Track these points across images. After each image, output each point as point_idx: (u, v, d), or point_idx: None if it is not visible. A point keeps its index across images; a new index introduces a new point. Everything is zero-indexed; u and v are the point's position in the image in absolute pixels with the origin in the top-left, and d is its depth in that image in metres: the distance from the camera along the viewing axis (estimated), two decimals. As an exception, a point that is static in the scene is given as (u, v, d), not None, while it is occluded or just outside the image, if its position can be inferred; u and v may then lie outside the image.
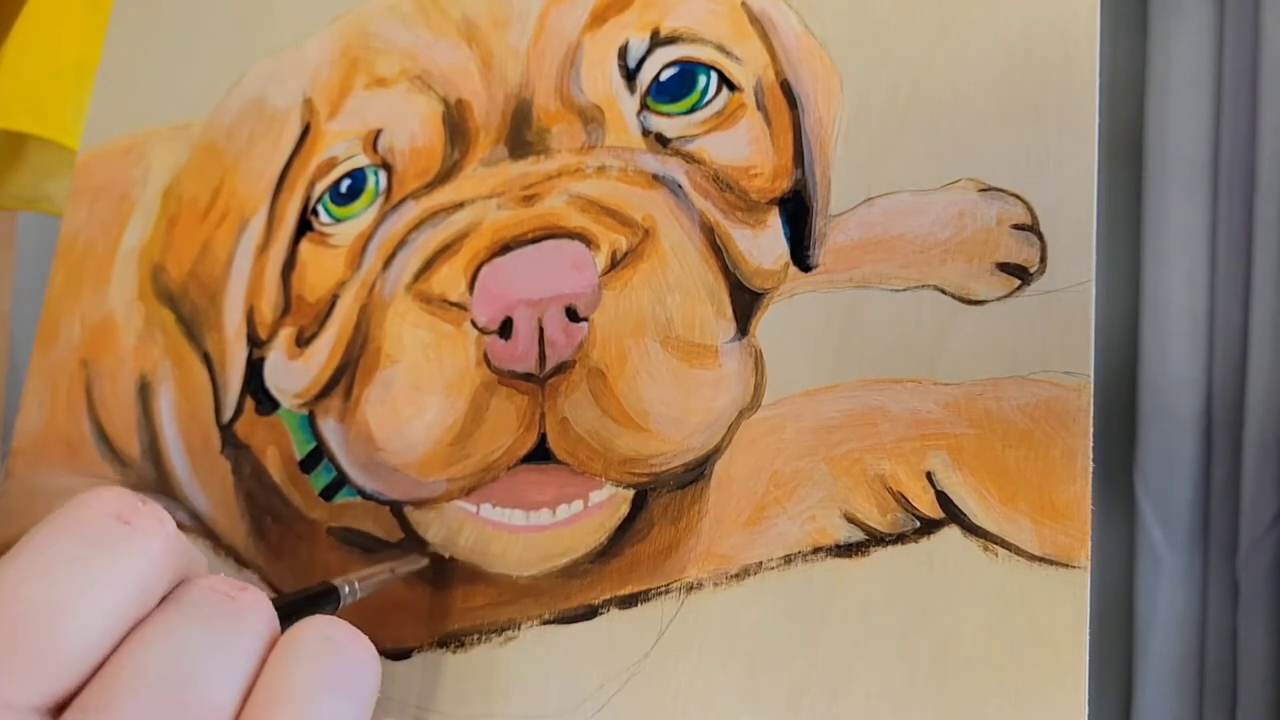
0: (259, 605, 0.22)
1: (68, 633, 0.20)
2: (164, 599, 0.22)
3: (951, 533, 0.28)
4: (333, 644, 0.22)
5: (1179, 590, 0.85)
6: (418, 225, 0.35)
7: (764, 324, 0.31)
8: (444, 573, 0.33)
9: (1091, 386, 0.27)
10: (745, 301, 0.31)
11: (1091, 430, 0.27)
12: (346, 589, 0.29)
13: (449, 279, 0.34)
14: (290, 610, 0.25)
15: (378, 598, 0.32)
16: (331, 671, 0.22)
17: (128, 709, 0.19)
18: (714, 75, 0.33)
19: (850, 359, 0.30)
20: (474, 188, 0.35)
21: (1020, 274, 0.29)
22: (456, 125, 0.36)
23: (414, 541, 0.33)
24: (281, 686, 0.21)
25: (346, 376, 0.35)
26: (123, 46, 0.45)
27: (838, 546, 0.29)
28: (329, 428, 0.35)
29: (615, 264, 0.32)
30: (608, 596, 0.30)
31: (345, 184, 0.37)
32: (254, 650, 0.22)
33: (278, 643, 0.22)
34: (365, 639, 0.23)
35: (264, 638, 0.22)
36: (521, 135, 0.35)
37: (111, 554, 0.21)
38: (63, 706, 0.20)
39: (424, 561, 0.32)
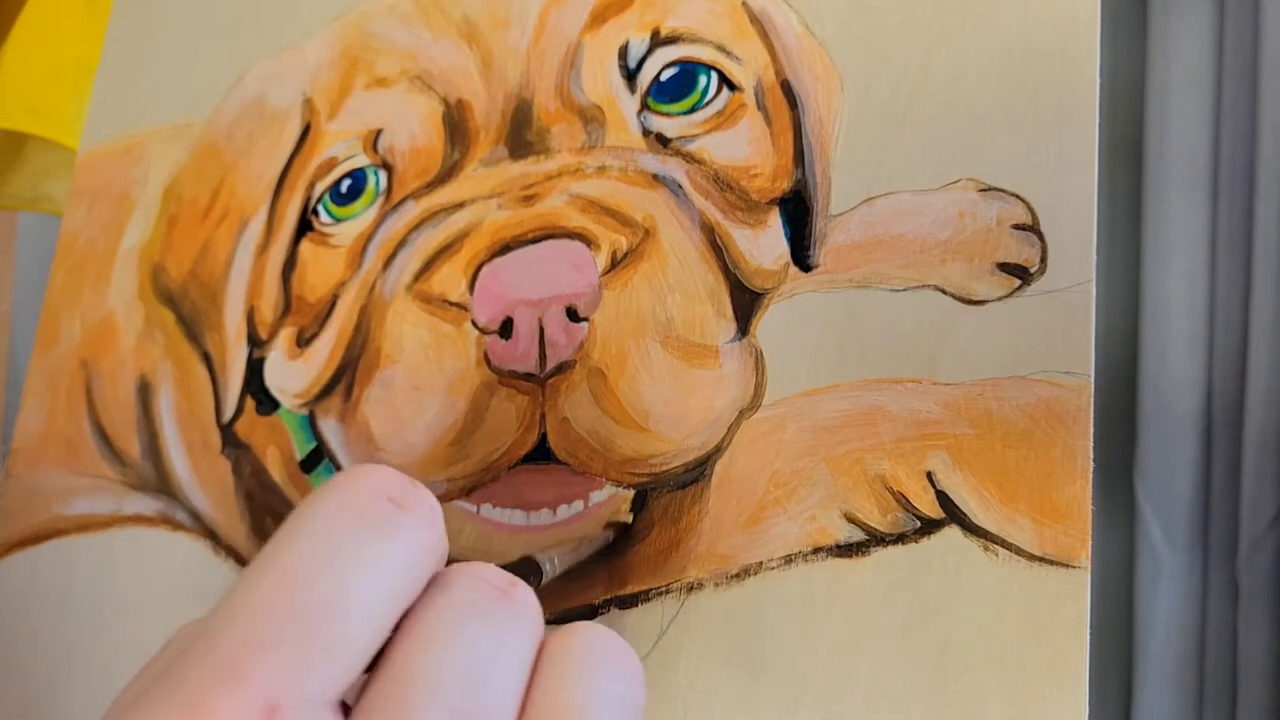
0: (531, 602, 0.21)
1: (355, 623, 0.19)
2: (430, 584, 0.21)
3: (951, 533, 0.28)
4: (606, 658, 0.21)
5: (1179, 590, 0.85)
6: (418, 225, 0.35)
7: (764, 324, 0.31)
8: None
9: (1091, 386, 0.27)
10: (745, 301, 0.31)
11: (1092, 430, 0.27)
12: (548, 565, 0.28)
13: (449, 279, 0.34)
14: None
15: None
16: (607, 686, 0.21)
17: (424, 712, 0.19)
18: (714, 75, 0.33)
19: (850, 359, 0.30)
20: (474, 188, 0.35)
21: (1020, 274, 0.29)
22: (456, 125, 0.36)
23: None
24: (561, 702, 0.20)
25: (347, 376, 0.35)
26: (123, 46, 0.45)
27: (838, 546, 0.29)
28: (329, 428, 0.35)
29: (615, 264, 0.32)
30: (608, 596, 0.30)
31: (345, 184, 0.37)
32: (530, 653, 0.21)
33: (549, 648, 0.21)
34: (631, 650, 0.22)
35: (538, 638, 0.21)
36: (522, 135, 0.35)
37: (388, 539, 0.20)
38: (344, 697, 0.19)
39: (611, 532, 0.31)
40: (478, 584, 0.21)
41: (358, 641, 0.19)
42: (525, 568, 0.27)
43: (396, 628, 0.20)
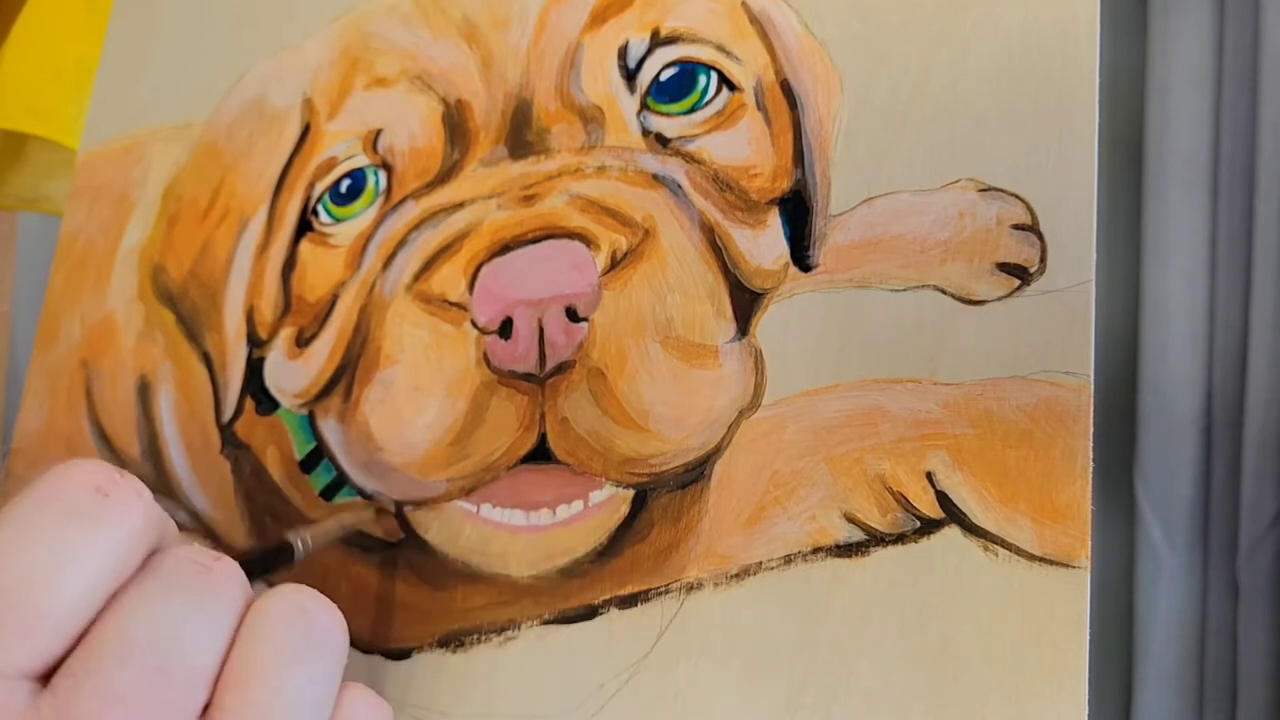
0: (233, 574, 0.23)
1: (51, 601, 0.20)
2: (142, 567, 0.22)
3: (951, 533, 0.28)
4: (303, 613, 0.23)
5: (1179, 590, 0.85)
6: (418, 225, 0.35)
7: (764, 324, 0.31)
8: (443, 572, 0.33)
9: (1091, 386, 0.27)
10: (745, 301, 0.31)
11: (1091, 430, 0.27)
12: (299, 544, 0.30)
13: (449, 279, 0.34)
14: (250, 569, 0.25)
15: (377, 597, 0.32)
16: (302, 639, 0.23)
17: (114, 674, 0.20)
18: (714, 75, 0.33)
19: (850, 359, 0.30)
20: (474, 188, 0.35)
21: (1020, 274, 0.29)
22: (456, 125, 0.36)
23: (414, 541, 0.33)
24: (256, 656, 0.22)
25: (346, 376, 0.35)
26: (123, 46, 0.45)
27: (838, 546, 0.29)
28: (329, 428, 0.35)
29: (615, 264, 0.32)
30: (608, 596, 0.30)
31: (345, 184, 0.37)
32: (230, 618, 0.22)
33: (250, 611, 0.23)
34: (333, 606, 0.24)
35: (239, 606, 0.23)
36: (521, 135, 0.35)
37: (91, 525, 0.21)
38: (50, 673, 0.20)
39: (370, 513, 0.33)
40: (181, 561, 0.22)
41: (54, 618, 0.20)
42: (279, 548, 0.29)
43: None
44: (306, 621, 0.23)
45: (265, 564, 0.29)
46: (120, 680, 0.20)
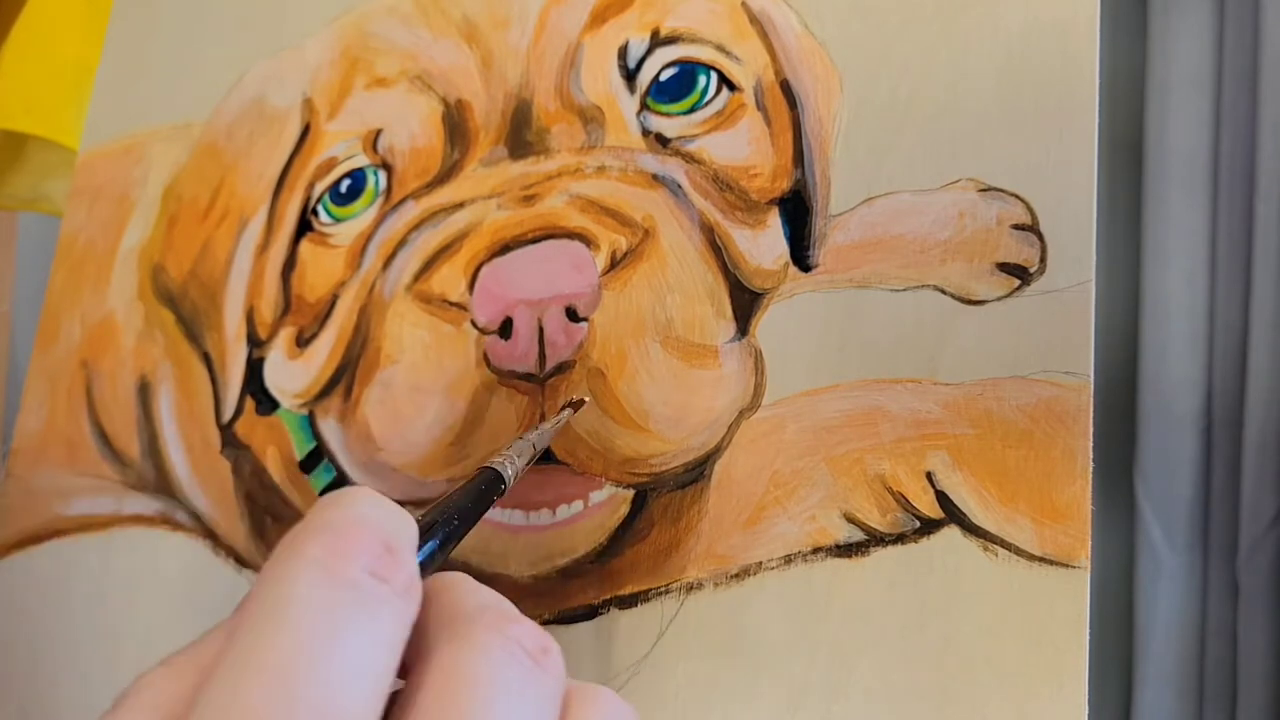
0: (560, 672, 0.20)
1: (359, 715, 0.17)
2: (453, 639, 0.19)
3: (951, 533, 0.28)
4: None
5: (1179, 590, 0.85)
6: (418, 225, 0.35)
7: (764, 324, 0.31)
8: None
9: (1091, 386, 0.27)
10: (745, 301, 0.31)
11: (1091, 430, 0.27)
12: (509, 469, 0.27)
13: (449, 279, 0.34)
14: (466, 515, 0.23)
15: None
16: None
17: None
18: (714, 75, 0.33)
19: (850, 359, 0.30)
20: (474, 188, 0.35)
21: (1020, 274, 0.29)
22: (456, 125, 0.36)
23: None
24: None
25: (346, 376, 0.35)
26: (123, 46, 0.45)
27: (838, 546, 0.29)
28: (329, 428, 0.35)
29: (615, 264, 0.32)
30: (608, 596, 0.30)
31: (345, 184, 0.37)
32: None
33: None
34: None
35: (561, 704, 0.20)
36: (521, 135, 0.35)
37: (372, 620, 0.18)
38: None
39: (569, 413, 0.31)
40: (509, 652, 0.19)
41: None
42: (490, 485, 0.26)
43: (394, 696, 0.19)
44: None
45: (482, 507, 0.25)
46: None
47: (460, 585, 0.21)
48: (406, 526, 0.20)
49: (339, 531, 0.19)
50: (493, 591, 0.21)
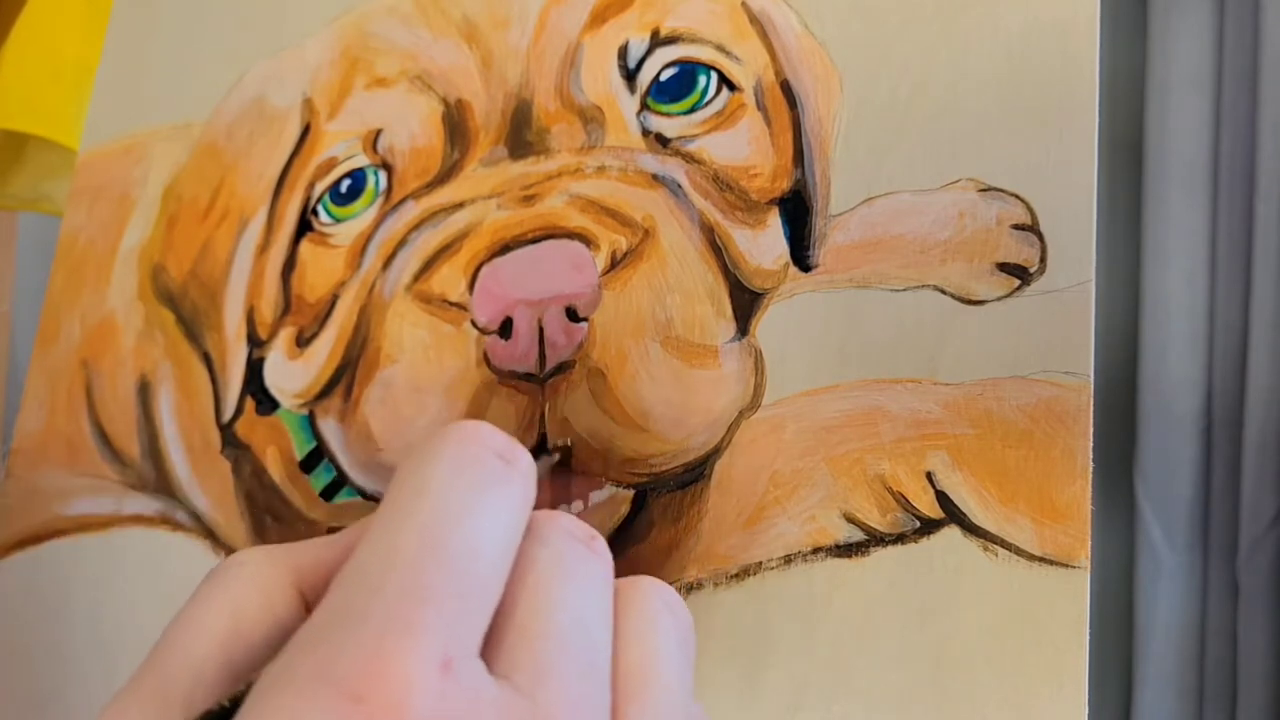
0: (608, 554, 0.23)
1: (493, 575, 0.20)
2: (525, 534, 0.22)
3: (951, 533, 0.28)
4: (674, 614, 0.23)
5: (1179, 590, 0.85)
6: (418, 225, 0.35)
7: (764, 324, 0.31)
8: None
9: (1091, 386, 0.27)
10: (745, 301, 0.31)
11: (1091, 430, 0.27)
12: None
13: (449, 279, 0.34)
14: None
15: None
16: (680, 646, 0.22)
17: (564, 674, 0.19)
18: (714, 75, 0.33)
19: (850, 359, 0.30)
20: (474, 188, 0.35)
21: (1020, 274, 0.29)
22: (456, 125, 0.36)
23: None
24: (650, 664, 0.21)
25: (346, 376, 0.35)
26: (123, 46, 0.45)
27: (838, 546, 0.29)
28: (329, 428, 0.35)
29: (615, 264, 0.32)
30: (608, 596, 0.30)
31: (345, 184, 0.37)
32: (611, 608, 0.22)
33: (626, 603, 0.22)
34: (682, 601, 0.23)
35: (613, 588, 0.22)
36: (521, 135, 0.35)
37: (503, 493, 0.21)
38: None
39: (555, 458, 0.32)
40: (566, 537, 0.22)
41: (493, 592, 0.20)
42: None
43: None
44: (679, 626, 0.23)
45: None
46: (571, 682, 0.19)
47: None
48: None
49: (470, 430, 0.22)
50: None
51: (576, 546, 0.22)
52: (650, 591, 0.23)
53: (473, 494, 0.20)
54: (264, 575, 0.21)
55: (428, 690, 0.17)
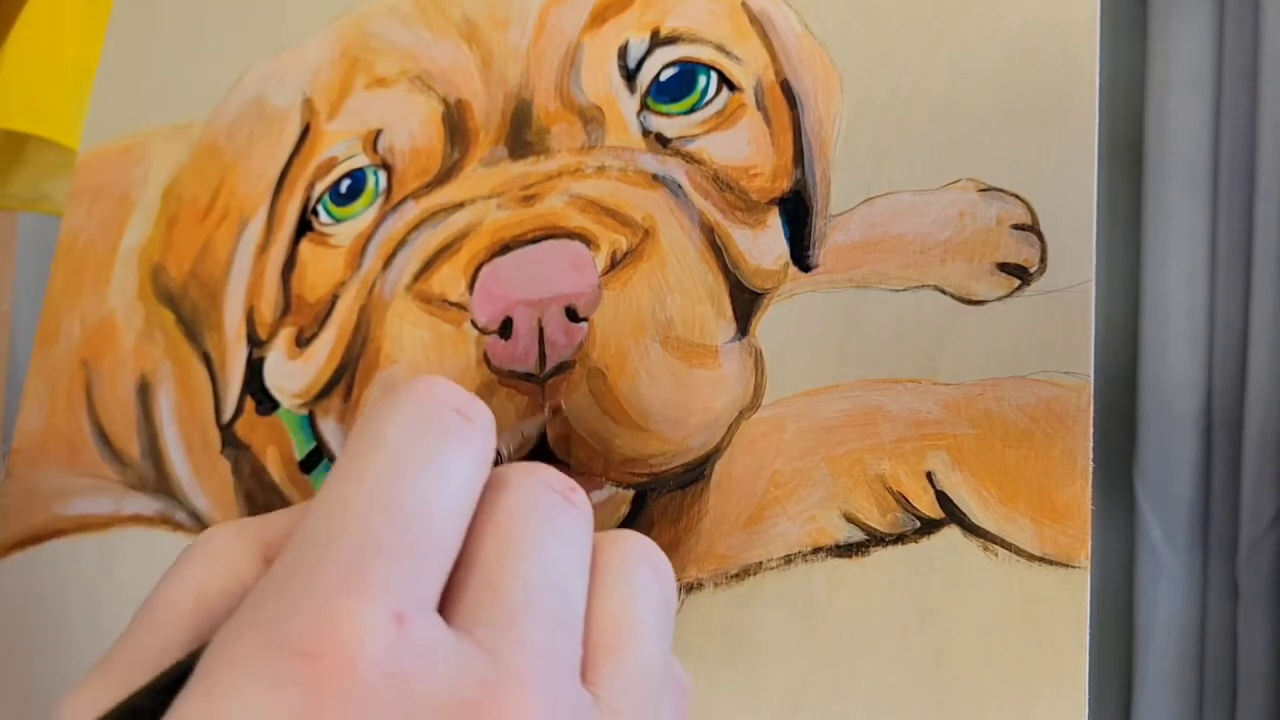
0: (588, 507, 0.22)
1: (449, 529, 0.19)
2: (489, 484, 0.21)
3: (951, 533, 0.28)
4: (654, 569, 0.22)
5: (1179, 590, 0.85)
6: (418, 225, 0.35)
7: (764, 324, 0.31)
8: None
9: (1091, 386, 0.27)
10: (745, 301, 0.31)
11: (1091, 430, 0.27)
12: (503, 450, 0.28)
13: (449, 279, 0.34)
14: None
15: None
16: (660, 601, 0.22)
17: (529, 626, 0.19)
18: (714, 75, 0.33)
19: (850, 359, 0.30)
20: (474, 188, 0.35)
21: (1020, 274, 0.29)
22: (456, 125, 0.36)
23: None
24: (626, 618, 0.21)
25: (347, 376, 0.35)
26: (123, 46, 0.45)
27: (838, 546, 0.29)
28: (329, 428, 0.35)
29: (615, 264, 0.32)
30: (608, 596, 0.30)
31: (345, 184, 0.37)
32: (589, 561, 0.21)
33: (604, 556, 0.22)
34: (663, 554, 0.23)
35: (591, 541, 0.22)
36: (521, 135, 0.35)
37: (461, 447, 0.20)
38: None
39: (544, 416, 0.31)
40: (543, 489, 0.21)
41: (450, 546, 0.19)
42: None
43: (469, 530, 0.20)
44: (660, 581, 0.22)
45: None
46: (536, 634, 0.19)
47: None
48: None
49: (426, 384, 0.21)
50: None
51: (551, 496, 0.21)
52: (631, 545, 0.22)
53: (427, 447, 0.20)
54: (230, 546, 0.21)
55: (380, 645, 0.17)
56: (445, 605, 0.19)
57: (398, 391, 0.21)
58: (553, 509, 0.21)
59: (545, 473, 0.22)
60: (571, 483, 0.22)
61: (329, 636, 0.17)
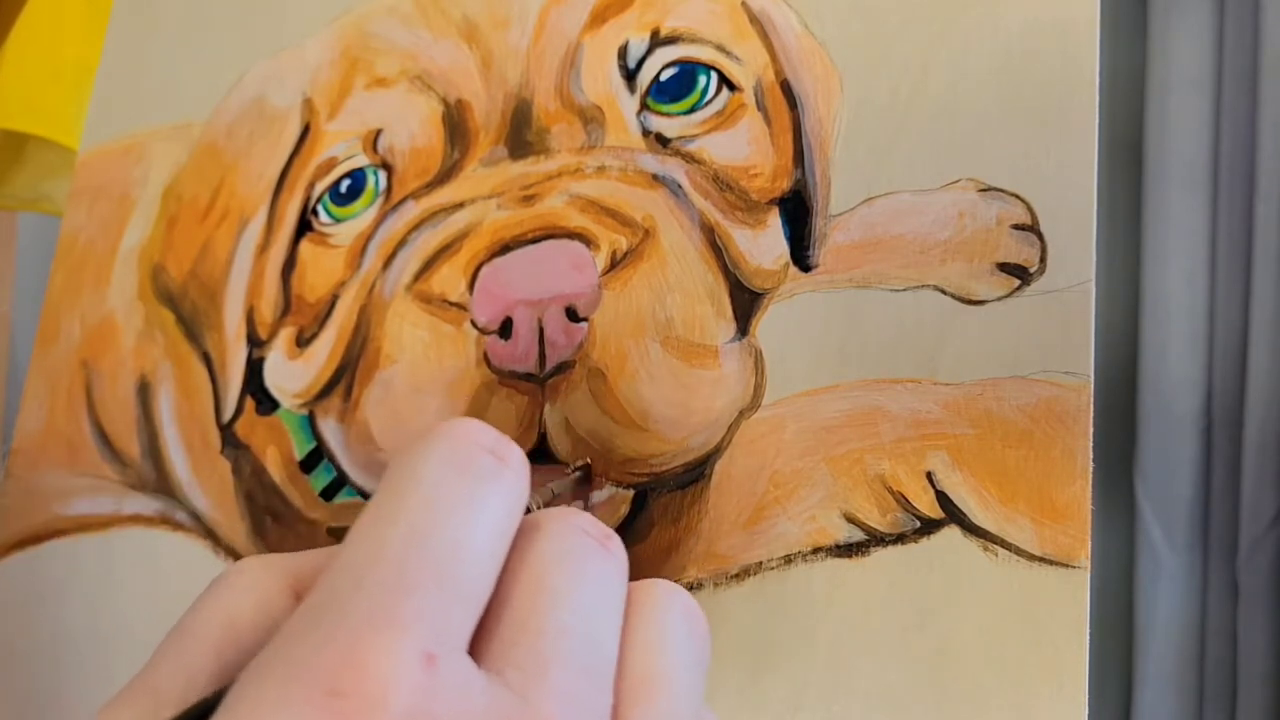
0: (624, 556, 0.22)
1: (482, 570, 0.19)
2: (523, 527, 0.21)
3: (951, 533, 0.28)
4: (691, 621, 0.22)
5: (1179, 590, 0.85)
6: (418, 225, 0.35)
7: (764, 324, 0.31)
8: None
9: (1091, 386, 0.27)
10: (745, 301, 0.31)
11: (1091, 430, 0.27)
12: (533, 504, 0.28)
13: (449, 279, 0.34)
14: None
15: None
16: (694, 651, 0.22)
17: (560, 672, 0.19)
18: (714, 75, 0.33)
19: (850, 359, 0.30)
20: (474, 188, 0.35)
21: (1020, 274, 0.29)
22: (456, 125, 0.36)
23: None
24: (659, 667, 0.20)
25: (346, 376, 0.35)
26: (123, 46, 0.45)
27: (838, 546, 0.29)
28: (329, 428, 0.35)
29: (615, 264, 0.32)
30: (608, 596, 0.30)
31: (345, 184, 0.37)
32: (622, 609, 0.21)
33: (639, 607, 0.21)
34: (700, 610, 0.23)
35: (626, 590, 0.22)
36: (521, 135, 0.35)
37: (493, 489, 0.20)
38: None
39: (576, 474, 0.31)
40: (580, 535, 0.21)
41: (482, 587, 0.19)
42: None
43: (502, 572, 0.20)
44: (693, 632, 0.22)
45: None
46: (567, 680, 0.19)
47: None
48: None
49: (461, 426, 0.21)
50: None
51: (586, 542, 0.21)
52: (666, 594, 0.22)
53: (461, 489, 0.20)
54: (260, 581, 0.21)
55: (409, 685, 0.17)
56: (476, 647, 0.19)
57: (433, 432, 0.21)
58: (587, 554, 0.21)
59: (581, 518, 0.22)
60: (607, 530, 0.22)
61: (358, 674, 0.17)
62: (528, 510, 0.27)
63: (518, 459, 0.21)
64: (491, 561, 0.20)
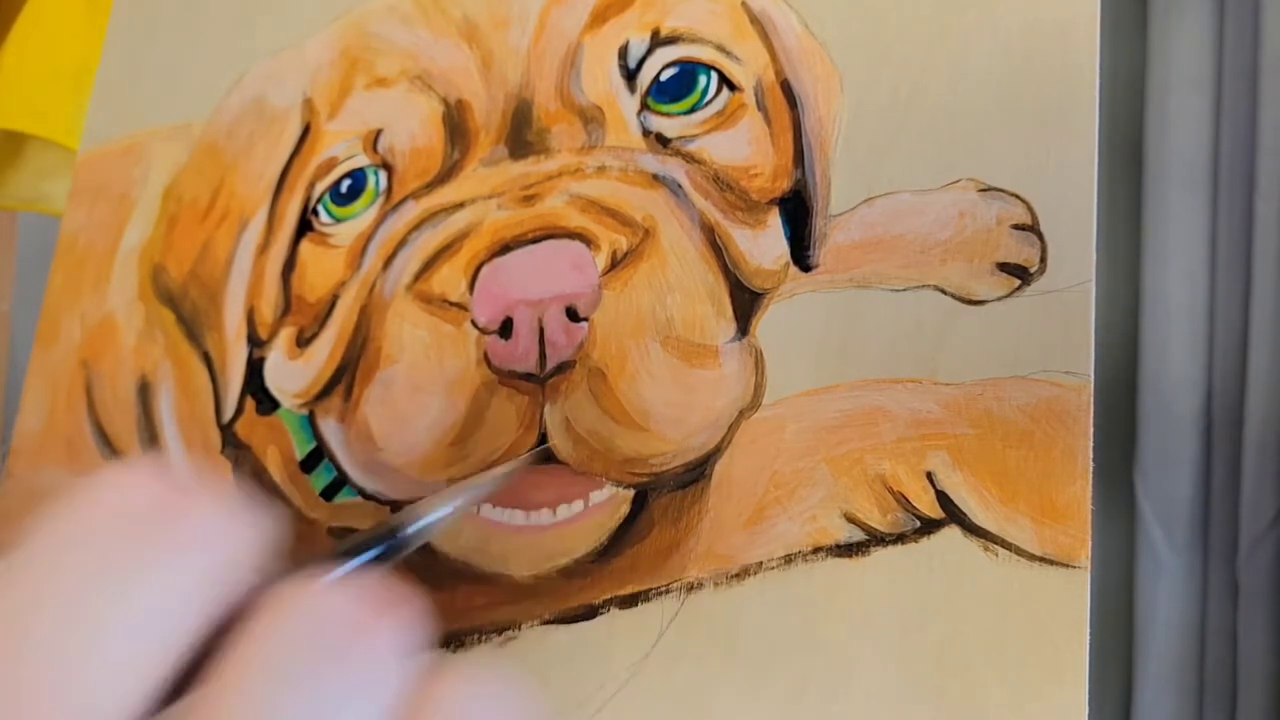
0: (395, 640, 0.16)
1: (109, 694, 0.15)
2: (251, 608, 0.16)
3: (952, 533, 0.28)
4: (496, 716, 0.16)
5: (1179, 590, 0.85)
6: (418, 225, 0.35)
7: (764, 324, 0.31)
8: (443, 572, 0.33)
9: (1091, 386, 0.27)
10: (745, 301, 0.31)
11: (1091, 430, 0.27)
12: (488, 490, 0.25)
13: (449, 279, 0.34)
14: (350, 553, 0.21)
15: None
16: None
17: None
18: (714, 75, 0.33)
19: (850, 359, 0.30)
20: (474, 188, 0.35)
21: (1020, 274, 0.29)
22: (457, 125, 0.36)
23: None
24: None
25: (347, 376, 0.35)
26: (123, 46, 0.45)
27: (838, 546, 0.29)
28: (329, 428, 0.35)
29: (615, 264, 0.32)
30: (608, 596, 0.30)
31: (345, 184, 0.37)
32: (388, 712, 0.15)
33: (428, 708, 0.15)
34: (515, 690, 0.17)
35: (400, 687, 0.16)
36: (522, 135, 0.35)
37: (141, 579, 0.15)
38: None
39: (529, 456, 0.30)
40: (308, 629, 0.15)
41: (114, 703, 0.15)
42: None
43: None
44: None
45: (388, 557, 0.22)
46: None
47: None
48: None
49: (91, 494, 0.17)
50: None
51: (322, 641, 0.15)
52: (473, 689, 0.16)
53: (90, 588, 0.15)
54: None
55: None
56: None
57: (48, 512, 0.16)
58: (318, 660, 0.15)
59: (326, 601, 0.16)
60: (376, 606, 0.16)
61: None
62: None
63: (200, 514, 0.16)
64: (136, 674, 0.15)
